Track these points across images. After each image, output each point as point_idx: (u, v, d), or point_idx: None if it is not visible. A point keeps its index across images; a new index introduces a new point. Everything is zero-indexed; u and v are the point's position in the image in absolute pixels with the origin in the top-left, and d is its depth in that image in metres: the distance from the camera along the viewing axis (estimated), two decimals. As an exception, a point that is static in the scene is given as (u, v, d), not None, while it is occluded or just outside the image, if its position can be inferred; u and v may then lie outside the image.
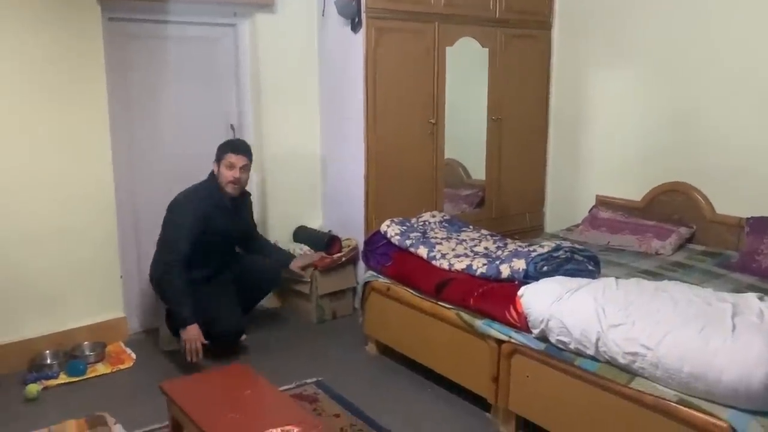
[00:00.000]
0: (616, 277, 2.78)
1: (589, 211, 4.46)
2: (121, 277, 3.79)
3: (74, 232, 3.56)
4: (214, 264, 3.59)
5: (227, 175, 3.47)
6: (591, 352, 2.40)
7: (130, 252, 3.87)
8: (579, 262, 2.97)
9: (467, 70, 4.50)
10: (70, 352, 3.48)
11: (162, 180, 3.84)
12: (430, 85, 4.20)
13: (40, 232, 3.45)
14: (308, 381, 3.26)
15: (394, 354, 3.47)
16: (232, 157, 3.47)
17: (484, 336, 2.82)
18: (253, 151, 4.09)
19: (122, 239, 3.78)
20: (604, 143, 4.57)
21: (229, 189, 3.50)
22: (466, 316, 2.90)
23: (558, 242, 3.08)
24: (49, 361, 3.41)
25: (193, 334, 3.29)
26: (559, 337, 2.50)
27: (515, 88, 4.64)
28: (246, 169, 3.54)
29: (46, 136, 3.42)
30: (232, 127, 4.18)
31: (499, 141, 4.63)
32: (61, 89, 3.43)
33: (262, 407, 2.28)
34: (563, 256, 2.93)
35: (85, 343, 3.57)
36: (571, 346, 2.47)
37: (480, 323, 2.83)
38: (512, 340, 2.70)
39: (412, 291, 3.23)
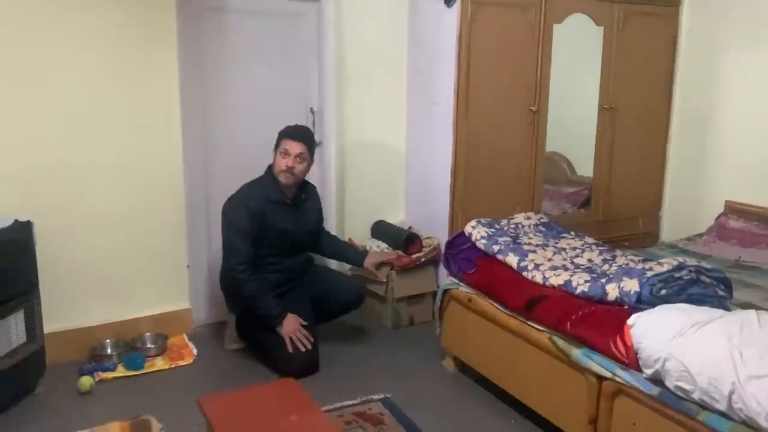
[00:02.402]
0: (757, 309, 2.22)
1: (716, 219, 3.91)
2: (188, 266, 3.59)
3: (140, 218, 3.38)
4: (283, 267, 3.30)
5: (280, 162, 3.17)
6: (722, 406, 1.88)
7: (199, 240, 3.65)
8: (706, 285, 2.42)
9: (577, 51, 4.13)
10: (131, 343, 3.34)
11: (236, 165, 3.58)
12: (532, 68, 3.77)
13: (106, 216, 3.30)
14: (374, 398, 2.91)
15: (473, 372, 3.06)
16: (287, 143, 3.16)
17: (581, 368, 2.34)
18: (333, 137, 3.82)
19: (191, 227, 3.58)
20: (738, 140, 3.98)
21: (281, 178, 3.19)
22: (560, 342, 2.44)
23: (680, 259, 2.52)
24: (109, 351, 3.29)
25: (290, 328, 3.13)
26: (678, 383, 1.99)
27: (633, 74, 4.13)
28: (302, 158, 3.19)
29: (114, 115, 3.24)
30: (312, 111, 3.88)
31: (612, 133, 4.14)
32: (130, 65, 3.23)
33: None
34: (686, 277, 2.38)
35: (147, 334, 3.42)
36: (695, 396, 1.96)
37: (577, 353, 2.35)
38: (617, 378, 2.21)
39: (497, 305, 2.79)
